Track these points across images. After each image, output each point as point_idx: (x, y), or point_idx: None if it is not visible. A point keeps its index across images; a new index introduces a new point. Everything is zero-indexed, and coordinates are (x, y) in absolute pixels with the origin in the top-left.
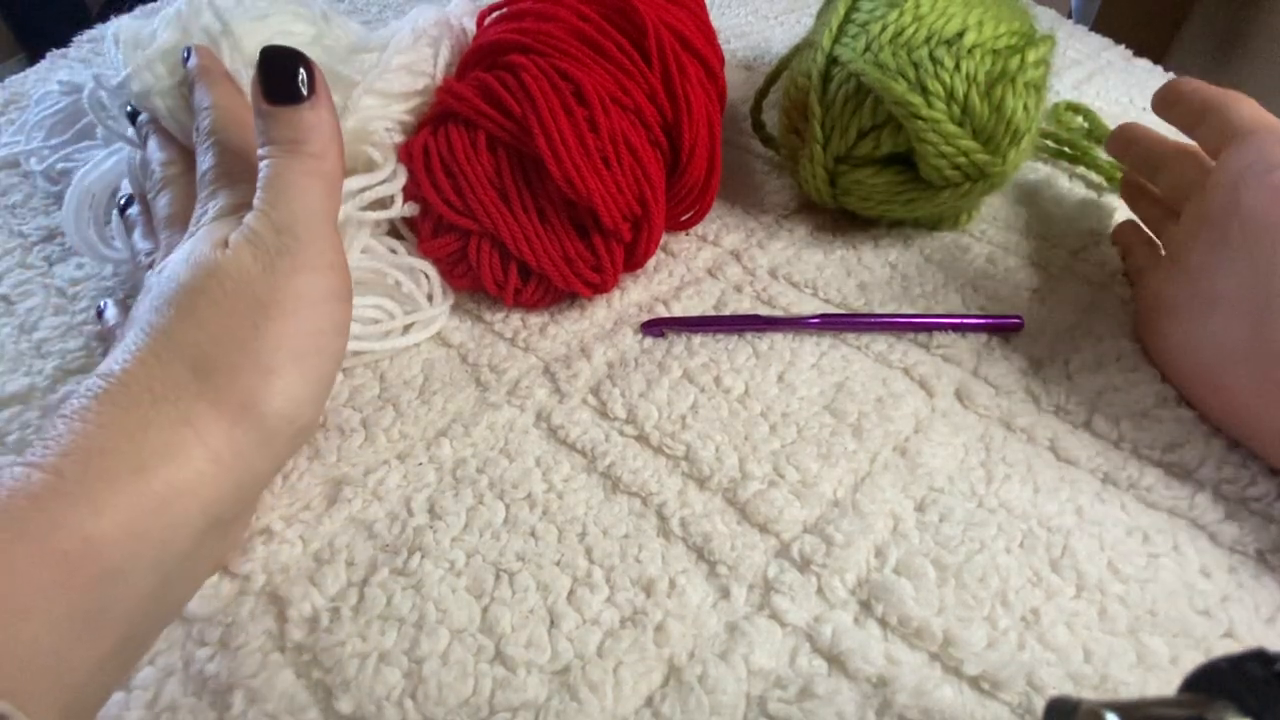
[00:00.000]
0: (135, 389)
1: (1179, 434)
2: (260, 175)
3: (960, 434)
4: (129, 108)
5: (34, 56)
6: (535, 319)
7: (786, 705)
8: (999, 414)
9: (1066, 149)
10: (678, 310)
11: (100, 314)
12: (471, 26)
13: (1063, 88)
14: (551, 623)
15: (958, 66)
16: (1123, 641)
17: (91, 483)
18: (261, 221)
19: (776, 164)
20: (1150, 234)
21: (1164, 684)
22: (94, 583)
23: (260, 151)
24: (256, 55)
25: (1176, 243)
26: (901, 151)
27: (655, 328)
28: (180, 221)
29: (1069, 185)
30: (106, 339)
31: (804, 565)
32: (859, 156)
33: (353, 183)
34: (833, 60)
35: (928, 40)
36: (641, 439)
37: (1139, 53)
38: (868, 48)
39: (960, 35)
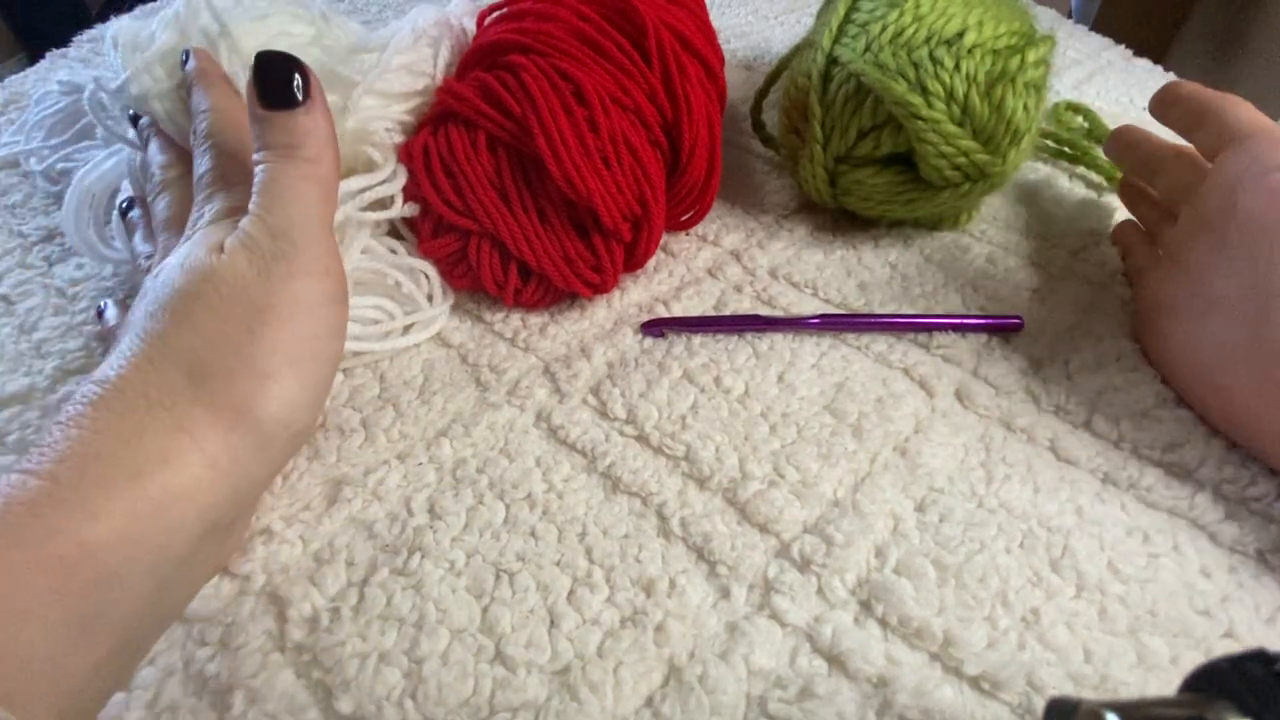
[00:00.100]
0: (130, 395)
1: (1179, 434)
2: (256, 180)
3: (960, 434)
4: (130, 110)
5: (34, 56)
6: (535, 319)
7: (787, 705)
8: (999, 414)
9: (1066, 149)
10: (678, 310)
11: (100, 314)
12: (471, 26)
13: (1063, 88)
14: (551, 623)
15: (958, 66)
16: (1123, 641)
17: (87, 489)
18: (257, 226)
19: (776, 164)
20: (1150, 233)
21: (1164, 684)
22: (90, 588)
23: (256, 156)
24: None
25: (1175, 244)
26: (901, 151)
27: (655, 328)
28: (178, 224)
29: (1069, 185)
30: (106, 339)
31: (804, 565)
32: (859, 156)
33: (352, 183)
34: (833, 60)
35: (928, 40)
36: (641, 439)
37: (1139, 53)
38: (868, 48)
39: (960, 35)
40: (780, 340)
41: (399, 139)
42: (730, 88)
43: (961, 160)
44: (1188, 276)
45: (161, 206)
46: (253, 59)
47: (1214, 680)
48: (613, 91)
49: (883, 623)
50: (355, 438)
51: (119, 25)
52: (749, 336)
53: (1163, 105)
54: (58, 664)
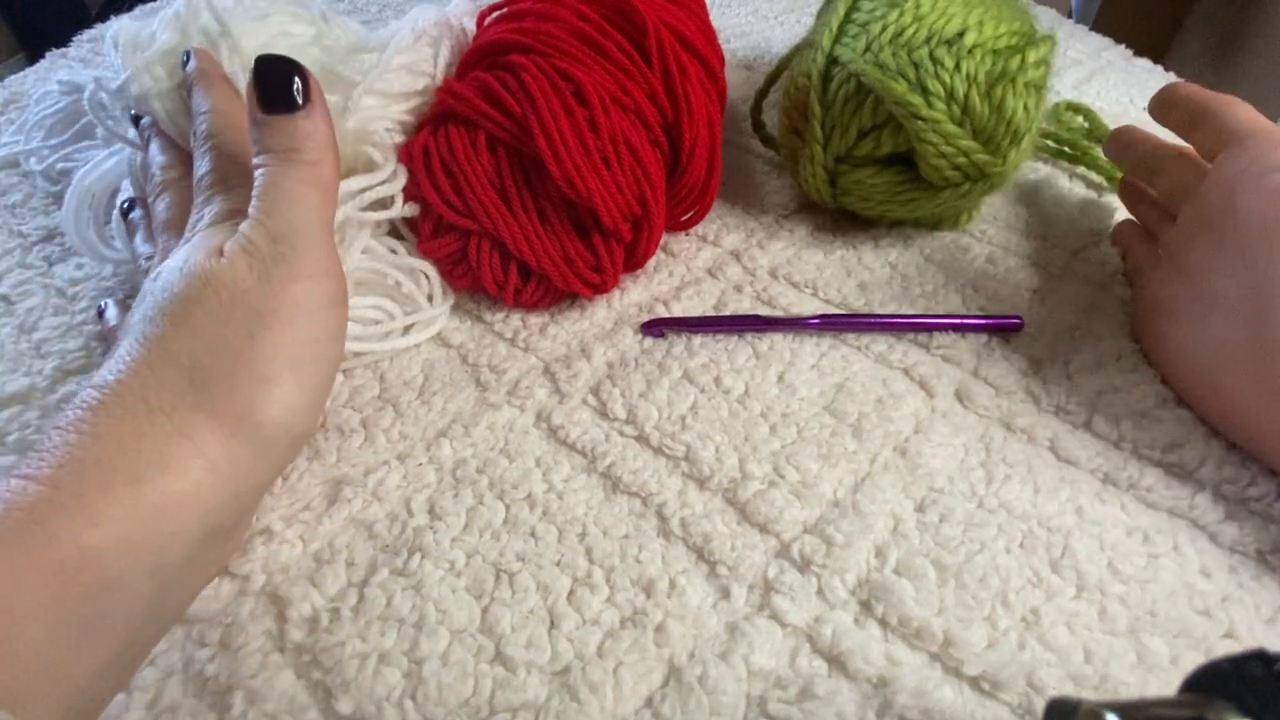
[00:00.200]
0: (130, 399)
1: (1179, 434)
2: (256, 183)
3: (960, 434)
4: (132, 110)
5: (34, 56)
6: (535, 319)
7: (787, 706)
8: (999, 414)
9: (1066, 149)
10: (678, 310)
11: (101, 314)
12: (471, 26)
13: (1063, 88)
14: (551, 623)
15: (958, 66)
16: (1123, 642)
17: (87, 494)
18: (257, 230)
19: (776, 164)
20: (1149, 233)
21: (1164, 684)
22: (92, 592)
23: (255, 160)
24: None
25: (1174, 245)
26: (902, 151)
27: (655, 328)
28: (178, 226)
29: (1069, 185)
30: (107, 339)
31: (804, 565)
32: (859, 156)
33: (353, 183)
34: (833, 60)
35: (928, 40)
36: (641, 439)
37: (1139, 53)
38: (868, 48)
39: (960, 35)
40: (780, 340)
41: (399, 139)
42: (730, 88)
43: (961, 160)
44: (1187, 277)
45: (162, 207)
46: (253, 60)
47: (1214, 680)
48: (613, 91)
49: (883, 623)
50: (355, 438)
51: (119, 25)
52: (749, 336)
53: (1162, 106)
54: (60, 668)
